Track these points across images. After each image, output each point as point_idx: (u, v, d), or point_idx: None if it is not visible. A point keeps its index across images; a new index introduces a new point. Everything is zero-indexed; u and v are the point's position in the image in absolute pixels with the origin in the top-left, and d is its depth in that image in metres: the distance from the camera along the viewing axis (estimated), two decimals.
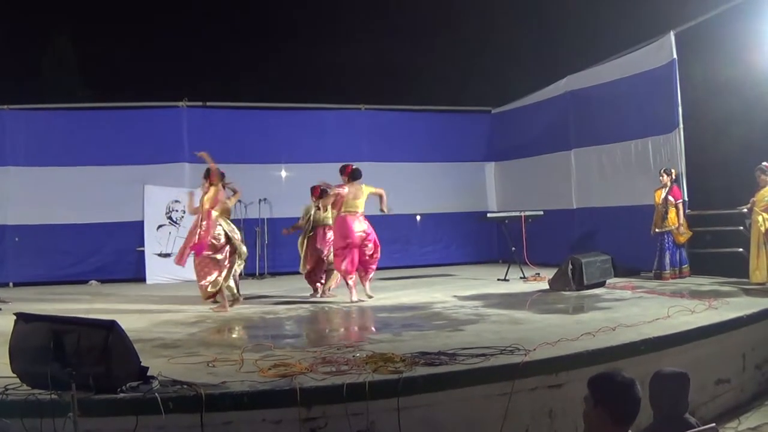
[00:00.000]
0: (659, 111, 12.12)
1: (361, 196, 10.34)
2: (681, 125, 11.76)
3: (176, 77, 14.89)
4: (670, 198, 11.42)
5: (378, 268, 11.13)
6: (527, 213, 13.22)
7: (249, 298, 10.88)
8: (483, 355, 5.66)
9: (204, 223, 9.56)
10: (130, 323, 7.03)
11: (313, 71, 15.78)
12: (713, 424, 3.97)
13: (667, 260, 11.42)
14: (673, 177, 11.55)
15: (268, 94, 15.32)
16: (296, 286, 11.76)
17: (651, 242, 11.63)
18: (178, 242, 12.52)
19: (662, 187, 11.55)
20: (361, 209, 10.33)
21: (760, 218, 10.18)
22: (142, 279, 13.80)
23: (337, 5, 15.79)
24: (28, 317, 4.75)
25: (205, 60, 15.28)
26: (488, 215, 14.27)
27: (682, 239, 11.47)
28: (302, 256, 11.01)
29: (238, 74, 15.64)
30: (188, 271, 10.27)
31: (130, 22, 15.26)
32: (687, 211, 11.73)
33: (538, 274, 12.25)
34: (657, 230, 11.53)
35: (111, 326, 4.60)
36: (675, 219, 11.40)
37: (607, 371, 3.43)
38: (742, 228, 10.90)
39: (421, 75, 15.70)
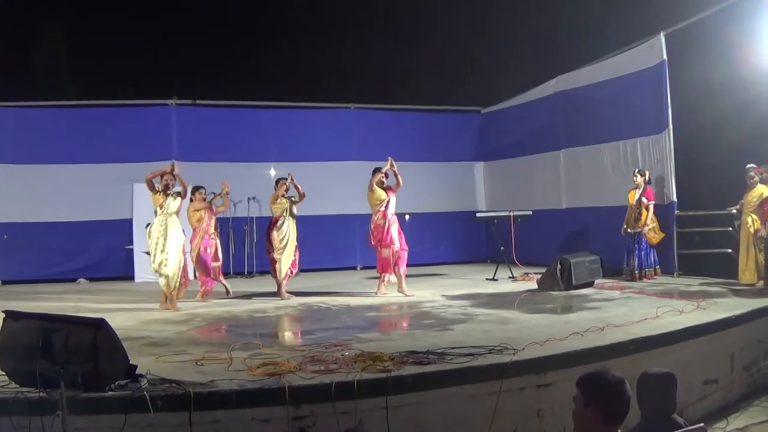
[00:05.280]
0: (649, 112, 12.18)
1: None
2: (671, 126, 11.80)
3: (166, 75, 14.80)
4: (644, 199, 11.48)
5: (367, 267, 11.10)
6: (516, 213, 13.27)
7: (238, 297, 10.89)
8: (471, 354, 5.69)
9: None
10: (118, 321, 7.03)
11: (303, 70, 15.71)
12: (702, 424, 3.98)
13: (638, 261, 11.47)
14: (647, 178, 11.62)
15: (257, 92, 15.25)
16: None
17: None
18: None
19: (635, 188, 11.62)
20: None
21: (749, 219, 10.24)
22: (130, 277, 13.76)
23: (327, 4, 15.74)
24: (16, 315, 4.74)
25: (194, 58, 15.17)
26: (477, 215, 14.26)
27: (655, 241, 11.54)
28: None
29: (227, 73, 15.56)
30: None
31: (120, 19, 15.18)
32: (676, 211, 11.79)
33: (527, 273, 12.28)
34: (630, 231, 11.59)
35: (100, 324, 4.60)
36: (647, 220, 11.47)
37: (596, 370, 3.43)
38: (731, 229, 10.96)
39: (410, 74, 15.64)
